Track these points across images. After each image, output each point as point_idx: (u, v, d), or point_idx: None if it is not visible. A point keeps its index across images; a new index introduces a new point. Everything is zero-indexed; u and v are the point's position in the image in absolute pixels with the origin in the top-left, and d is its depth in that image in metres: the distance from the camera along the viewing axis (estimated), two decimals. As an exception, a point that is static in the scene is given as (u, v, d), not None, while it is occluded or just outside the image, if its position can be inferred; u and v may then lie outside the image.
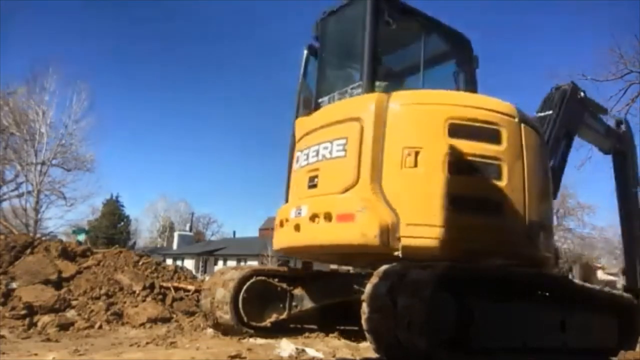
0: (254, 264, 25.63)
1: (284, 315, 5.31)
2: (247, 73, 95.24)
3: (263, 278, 5.27)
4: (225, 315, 5.06)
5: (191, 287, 7.47)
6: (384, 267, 3.70)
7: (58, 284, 6.54)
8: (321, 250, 4.97)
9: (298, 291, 5.42)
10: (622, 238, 8.18)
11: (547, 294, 4.69)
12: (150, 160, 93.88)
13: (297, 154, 5.12)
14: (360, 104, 4.60)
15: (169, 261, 22.78)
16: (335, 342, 4.95)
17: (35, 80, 27.31)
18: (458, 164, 4.18)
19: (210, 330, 5.47)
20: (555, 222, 6.08)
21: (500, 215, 4.28)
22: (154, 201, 65.37)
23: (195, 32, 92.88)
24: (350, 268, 6.91)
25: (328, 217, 4.29)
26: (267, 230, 40.43)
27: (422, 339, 3.27)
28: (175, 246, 51.34)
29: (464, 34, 5.78)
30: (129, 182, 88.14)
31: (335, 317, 5.76)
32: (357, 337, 4.86)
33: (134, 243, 52.98)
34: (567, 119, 6.58)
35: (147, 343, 4.63)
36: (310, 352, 4.19)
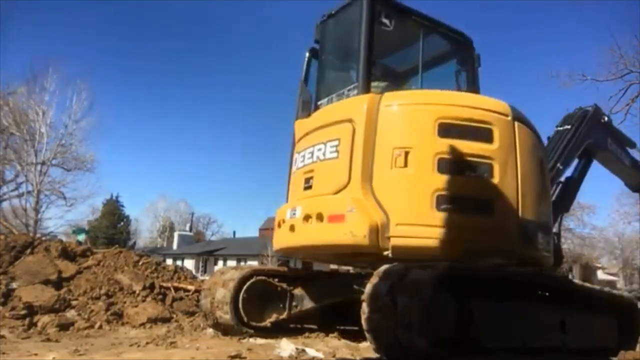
0: (254, 264, 25.63)
1: (284, 315, 5.31)
2: (247, 73, 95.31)
3: (263, 278, 5.27)
4: (225, 315, 5.06)
5: (191, 287, 7.47)
6: (384, 267, 3.70)
7: (58, 284, 6.54)
8: (314, 251, 5.02)
9: (298, 291, 5.42)
10: None
11: (547, 294, 4.68)
12: (150, 160, 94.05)
13: (295, 155, 5.18)
14: (352, 105, 4.64)
15: (169, 261, 22.77)
16: (335, 342, 4.94)
17: (35, 80, 27.35)
18: (448, 164, 4.18)
19: (210, 330, 5.47)
20: (564, 222, 6.13)
21: (493, 215, 4.27)
22: (154, 201, 65.45)
23: (196, 32, 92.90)
24: (350, 268, 6.91)
25: (320, 217, 4.35)
26: (267, 230, 40.45)
27: (422, 339, 3.27)
28: (175, 246, 51.35)
29: (465, 33, 5.77)
30: (129, 182, 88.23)
31: (335, 317, 5.76)
32: (357, 337, 4.86)
33: (134, 243, 52.99)
34: (586, 136, 6.70)
35: (147, 343, 4.63)
36: (310, 352, 4.19)
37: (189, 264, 40.69)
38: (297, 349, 4.22)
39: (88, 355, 3.97)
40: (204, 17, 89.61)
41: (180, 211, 64.17)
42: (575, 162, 6.93)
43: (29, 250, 7.22)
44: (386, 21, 4.93)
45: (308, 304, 5.43)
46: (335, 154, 4.50)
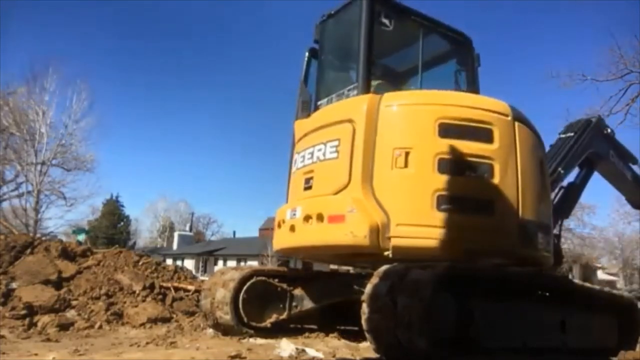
0: (254, 264, 25.65)
1: (284, 316, 5.31)
2: (247, 73, 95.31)
3: (263, 278, 5.27)
4: (225, 315, 5.06)
5: (191, 287, 7.47)
6: (384, 267, 3.70)
7: (58, 284, 6.54)
8: (315, 251, 5.02)
9: (298, 291, 5.42)
10: None
11: (547, 294, 4.68)
12: (150, 160, 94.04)
13: (295, 156, 5.18)
14: (352, 106, 4.64)
15: (169, 261, 22.75)
16: (335, 342, 4.94)
17: (35, 80, 27.33)
18: (449, 164, 4.19)
19: (210, 330, 5.47)
20: (565, 224, 6.23)
21: (493, 215, 4.27)
22: (154, 201, 65.47)
23: (196, 31, 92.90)
24: (350, 268, 6.91)
25: (320, 218, 4.35)
26: (267, 230, 40.45)
27: (422, 339, 3.27)
28: (175, 246, 51.35)
29: (464, 33, 5.77)
30: (129, 182, 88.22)
31: (335, 317, 5.76)
32: (357, 337, 4.86)
33: (134, 243, 52.99)
34: (588, 145, 6.79)
35: (147, 343, 4.63)
36: (310, 352, 4.19)
37: (189, 264, 40.69)
38: (297, 349, 4.22)
39: (88, 355, 3.97)
40: (204, 17, 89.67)
41: (180, 211, 64.23)
42: (577, 171, 7.00)
43: (29, 250, 7.21)
44: (386, 21, 4.93)
45: (308, 304, 5.43)
46: (335, 154, 4.50)
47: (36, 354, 3.90)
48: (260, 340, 4.85)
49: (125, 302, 6.53)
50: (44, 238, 10.11)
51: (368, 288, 3.61)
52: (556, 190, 6.40)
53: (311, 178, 4.72)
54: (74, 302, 6.18)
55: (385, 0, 5.05)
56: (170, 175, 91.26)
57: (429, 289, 3.33)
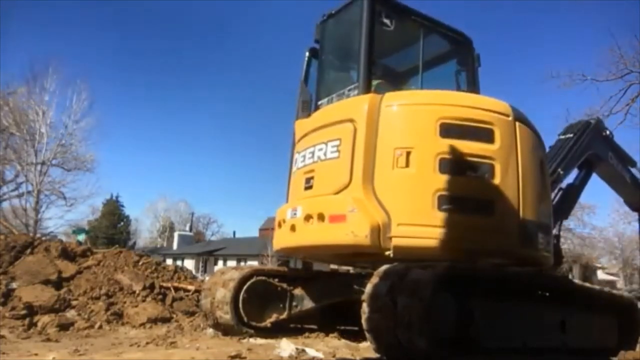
0: (254, 264, 25.64)
1: (284, 315, 5.31)
2: (247, 73, 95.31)
3: (263, 278, 5.27)
4: (225, 315, 5.06)
5: (191, 287, 7.47)
6: (384, 267, 3.70)
7: (58, 284, 6.54)
8: (315, 251, 5.02)
9: (298, 291, 5.42)
10: None
11: (547, 294, 4.68)
12: (150, 160, 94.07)
13: (295, 155, 5.17)
14: (353, 105, 4.64)
15: (169, 261, 22.79)
16: (335, 342, 4.94)
17: (35, 80, 27.29)
18: (450, 164, 4.19)
19: (210, 330, 5.47)
20: (564, 224, 6.28)
21: (494, 215, 4.27)
22: (154, 201, 65.47)
23: (196, 31, 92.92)
24: (350, 268, 6.91)
25: (321, 217, 4.35)
26: (267, 230, 40.44)
27: (422, 338, 3.27)
28: (175, 246, 51.35)
29: (464, 33, 5.78)
30: (129, 182, 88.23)
31: (335, 317, 5.76)
32: (357, 337, 4.86)
33: (134, 243, 53.00)
34: (588, 146, 6.83)
35: (147, 343, 4.63)
36: (310, 352, 4.18)
37: (189, 264, 40.69)
38: (297, 349, 4.22)
39: (88, 355, 3.97)
40: (204, 16, 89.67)
41: (180, 211, 64.23)
42: (576, 172, 7.03)
43: (29, 250, 7.21)
44: (387, 21, 4.93)
45: (308, 304, 5.42)
46: (336, 154, 4.49)
47: (36, 354, 3.89)
48: (260, 340, 4.85)
49: (125, 302, 6.52)
50: (44, 238, 10.10)
51: (368, 288, 3.61)
52: (555, 191, 6.42)
53: (312, 178, 4.72)
54: (74, 302, 6.18)
55: (386, 0, 5.05)
56: (170, 175, 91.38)
57: (429, 289, 3.33)
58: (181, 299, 7.21)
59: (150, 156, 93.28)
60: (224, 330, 5.18)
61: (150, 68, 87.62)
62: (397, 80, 5.77)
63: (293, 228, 4.65)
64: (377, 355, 3.63)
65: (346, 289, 5.29)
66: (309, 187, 4.72)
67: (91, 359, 3.83)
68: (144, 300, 6.71)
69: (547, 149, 6.05)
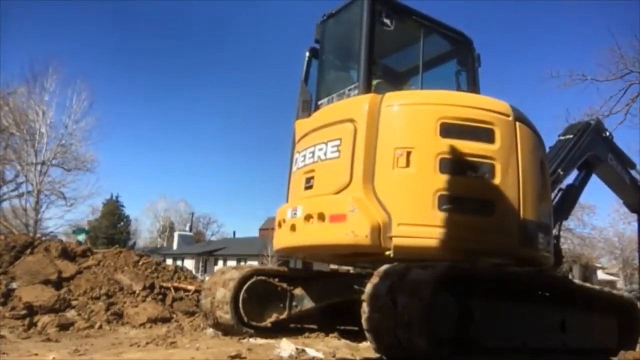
0: (254, 264, 25.65)
1: (284, 315, 5.30)
2: (247, 73, 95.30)
3: (263, 278, 5.26)
4: (225, 315, 5.06)
5: (191, 287, 7.47)
6: (384, 267, 3.70)
7: (58, 284, 6.54)
8: (316, 251, 5.02)
9: (298, 291, 5.41)
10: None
11: (547, 294, 4.68)
12: (150, 160, 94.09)
13: (295, 155, 5.17)
14: (354, 105, 4.64)
15: (169, 261, 22.75)
16: (335, 342, 4.94)
17: (35, 80, 27.25)
18: (450, 164, 4.19)
19: (210, 330, 5.47)
20: (564, 224, 6.32)
21: (494, 215, 4.27)
22: (154, 201, 65.51)
23: (196, 31, 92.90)
24: (350, 268, 6.91)
25: (321, 217, 4.35)
26: (267, 230, 40.43)
27: (422, 338, 3.27)
28: (175, 246, 51.36)
29: (464, 33, 5.78)
30: (129, 182, 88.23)
31: (335, 317, 5.76)
32: (357, 337, 4.86)
33: (134, 243, 53.01)
34: (588, 147, 6.86)
35: (147, 343, 4.63)
36: (310, 352, 4.18)
37: (189, 264, 40.71)
38: (297, 349, 4.22)
39: (88, 355, 3.97)
40: (204, 16, 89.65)
41: (180, 211, 64.25)
42: (576, 172, 7.06)
43: (29, 250, 7.21)
44: (387, 21, 4.94)
45: (308, 304, 5.42)
46: (336, 154, 4.49)
47: (36, 354, 3.89)
48: (260, 340, 4.85)
49: (125, 302, 6.52)
50: (44, 238, 10.10)
51: (368, 288, 3.61)
52: (555, 192, 6.43)
53: (312, 177, 4.72)
54: (74, 302, 6.17)
55: (387, 0, 5.05)
56: (170, 175, 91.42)
57: (429, 289, 3.33)
58: (181, 299, 7.21)
59: (150, 156, 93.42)
60: (224, 330, 5.17)
61: (150, 68, 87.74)
62: (396, 80, 5.78)
63: (293, 228, 4.65)
64: (377, 355, 3.63)
65: (346, 289, 5.28)
66: (309, 187, 4.72)
67: (91, 359, 3.83)
68: (144, 300, 6.71)
69: (547, 150, 6.06)
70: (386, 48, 5.57)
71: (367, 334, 3.54)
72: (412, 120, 4.42)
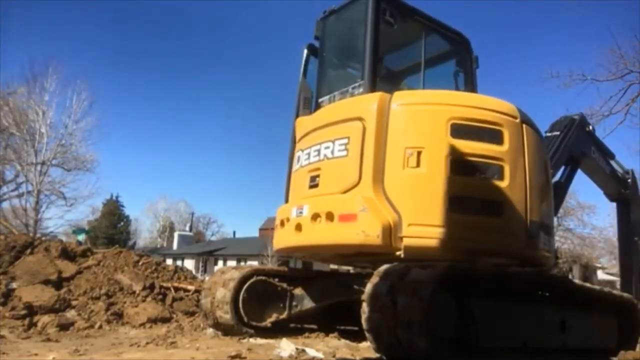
0: (254, 264, 25.65)
1: (284, 315, 5.30)
2: (247, 72, 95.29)
3: (263, 278, 5.26)
4: (225, 315, 5.06)
5: (191, 287, 7.47)
6: (384, 267, 3.70)
7: (58, 284, 6.53)
8: (323, 250, 4.96)
9: (298, 291, 5.41)
10: (620, 279, 8.67)
11: (547, 294, 4.69)
12: (150, 160, 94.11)
13: (297, 153, 5.10)
14: (362, 104, 4.58)
15: (169, 261, 22.72)
16: (335, 342, 4.94)
17: (35, 80, 27.26)
18: (460, 164, 4.18)
19: (210, 330, 5.46)
20: (555, 222, 6.34)
21: (502, 216, 4.28)
22: (154, 201, 65.54)
23: (196, 31, 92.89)
24: (350, 268, 6.91)
25: (330, 217, 4.28)
26: (267, 230, 40.42)
27: (422, 338, 3.26)
28: (175, 246, 51.37)
29: (463, 34, 5.79)
30: (129, 182, 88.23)
31: (335, 317, 5.76)
32: (357, 337, 4.86)
33: (134, 243, 53.02)
34: (573, 143, 6.92)
35: (147, 343, 4.63)
36: (310, 352, 4.18)
37: (189, 264, 40.71)
38: (297, 349, 4.22)
39: (88, 355, 3.97)
40: (204, 16, 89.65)
41: (180, 211, 64.29)
42: (562, 168, 7.12)
43: (29, 250, 7.20)
44: (391, 20, 4.92)
45: (308, 304, 5.42)
46: (344, 152, 4.43)
47: (36, 354, 3.89)
48: (260, 340, 4.85)
49: (125, 302, 6.52)
50: (44, 238, 10.10)
51: (368, 287, 3.61)
52: None
53: (317, 176, 4.63)
54: (74, 302, 6.17)
55: None
56: (170, 175, 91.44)
57: (429, 289, 3.32)
58: (181, 299, 7.21)
59: (150, 156, 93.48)
60: (224, 330, 5.17)
61: (150, 68, 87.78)
62: (391, 79, 5.77)
63: (299, 227, 4.56)
64: (377, 355, 3.63)
65: (346, 289, 5.28)
66: (314, 186, 4.64)
67: (91, 359, 3.83)
68: (144, 300, 6.70)
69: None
70: (386, 47, 5.56)
71: (367, 334, 3.54)
72: (423, 120, 4.38)
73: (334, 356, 4.21)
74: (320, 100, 5.36)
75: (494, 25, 79.27)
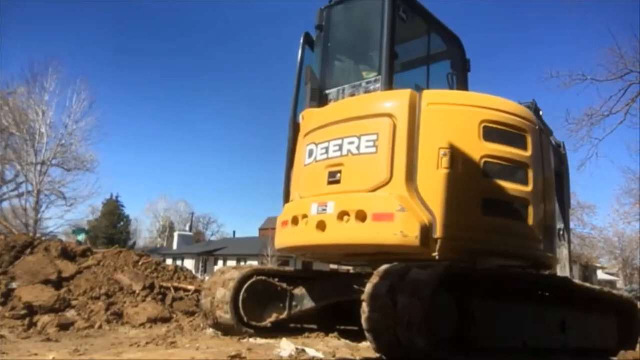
0: (254, 264, 25.66)
1: (284, 315, 5.30)
2: (248, 72, 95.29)
3: (263, 278, 5.25)
4: (225, 315, 5.05)
5: (191, 287, 7.46)
6: (384, 267, 3.69)
7: (58, 284, 6.53)
8: (351, 250, 4.73)
9: (298, 291, 5.41)
10: None
11: (548, 294, 4.69)
12: (151, 160, 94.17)
13: (309, 146, 4.83)
14: (390, 100, 4.48)
15: (169, 261, 22.73)
16: (335, 342, 4.94)
17: (35, 80, 27.29)
18: (492, 168, 4.22)
19: (210, 330, 5.46)
20: None
21: (525, 220, 4.35)
22: (154, 201, 65.59)
23: (196, 31, 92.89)
24: (350, 268, 6.90)
25: (361, 216, 4.12)
26: (267, 230, 40.51)
27: (422, 338, 3.26)
28: (175, 246, 51.40)
29: (458, 37, 5.87)
30: (129, 182, 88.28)
31: (335, 317, 5.75)
32: (357, 337, 4.86)
33: (134, 243, 53.04)
34: None
35: (147, 343, 4.62)
36: (310, 352, 4.18)
37: (189, 264, 40.73)
38: (297, 349, 4.22)
39: (88, 355, 3.96)
40: (204, 16, 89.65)
41: (180, 211, 64.35)
42: None
43: (29, 250, 7.20)
44: (403, 16, 4.93)
45: (308, 304, 5.42)
46: (373, 149, 4.30)
47: (36, 354, 3.89)
48: (260, 340, 4.85)
49: (125, 302, 6.51)
50: (44, 238, 10.10)
51: (368, 287, 3.60)
52: None
53: (339, 172, 4.45)
54: (74, 302, 6.17)
55: None
56: (170, 175, 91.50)
57: (430, 289, 3.32)
58: (181, 299, 7.20)
59: (150, 156, 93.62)
60: (224, 330, 5.17)
61: (150, 68, 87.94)
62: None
63: (321, 225, 4.35)
64: (377, 355, 3.63)
65: (346, 289, 5.28)
66: (334, 182, 4.46)
67: (91, 359, 3.83)
68: (144, 300, 6.70)
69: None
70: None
71: (367, 334, 3.53)
72: (457, 122, 4.35)
73: (334, 356, 4.21)
74: (327, 92, 5.21)
75: (494, 25, 79.30)
